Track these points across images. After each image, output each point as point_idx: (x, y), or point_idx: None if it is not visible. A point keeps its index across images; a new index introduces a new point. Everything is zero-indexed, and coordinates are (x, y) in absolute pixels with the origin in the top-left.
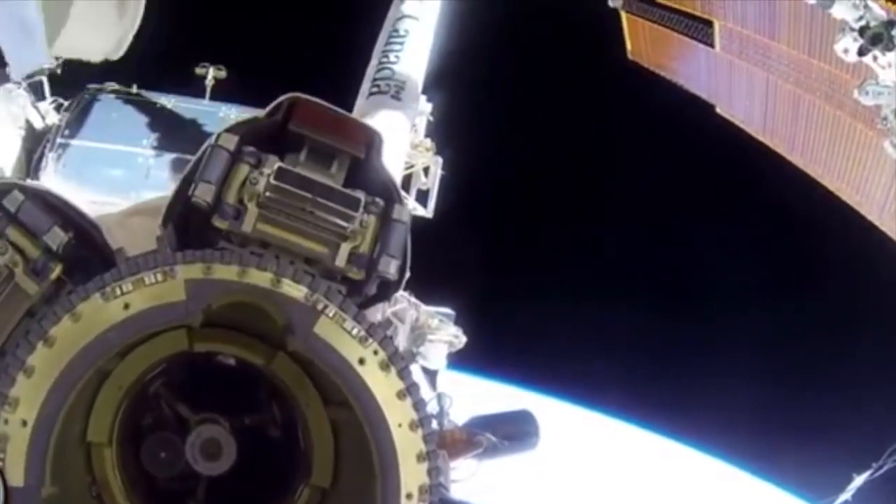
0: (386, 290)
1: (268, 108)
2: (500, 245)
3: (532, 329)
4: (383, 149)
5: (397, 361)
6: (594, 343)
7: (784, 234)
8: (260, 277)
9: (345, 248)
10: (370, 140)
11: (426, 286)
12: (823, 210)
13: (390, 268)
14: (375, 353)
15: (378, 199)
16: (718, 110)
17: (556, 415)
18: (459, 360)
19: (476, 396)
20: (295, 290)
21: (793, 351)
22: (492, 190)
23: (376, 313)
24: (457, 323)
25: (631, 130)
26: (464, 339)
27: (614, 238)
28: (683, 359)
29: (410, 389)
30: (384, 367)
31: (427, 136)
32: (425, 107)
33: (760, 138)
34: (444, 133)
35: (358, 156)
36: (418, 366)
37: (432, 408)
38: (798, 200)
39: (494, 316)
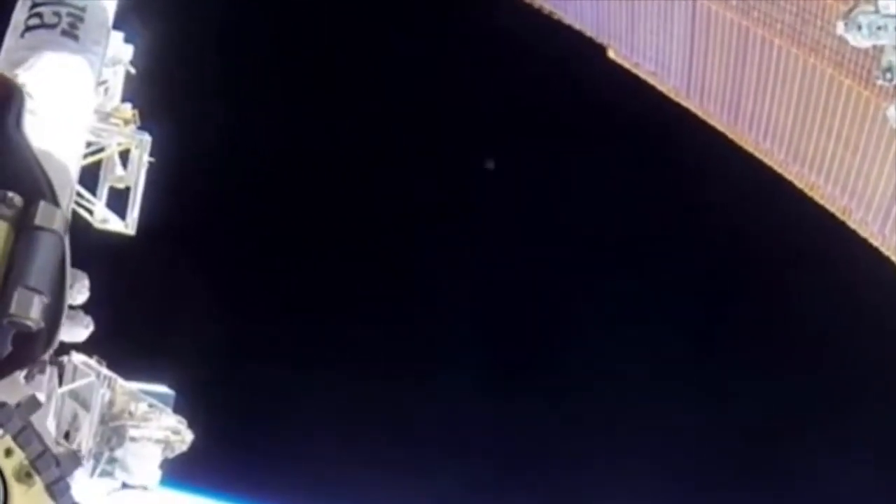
0: (29, 348)
1: None
2: (249, 281)
3: (297, 421)
4: (25, 113)
5: (45, 467)
6: (397, 449)
7: (717, 276)
8: None
9: None
10: (5, 95)
11: (128, 349)
12: (787, 224)
13: (30, 308)
14: (9, 453)
15: (13, 195)
16: (612, 55)
17: None
18: (184, 470)
19: None
20: None
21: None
22: (237, 188)
23: (20, 388)
24: (178, 409)
25: (467, 94)
26: (189, 436)
27: (432, 275)
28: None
29: None
30: (23, 476)
31: (127, 100)
32: (122, 51)
33: (682, 101)
34: (158, 96)
35: None
36: (114, 480)
37: None
38: (744, 211)
39: (239, 398)
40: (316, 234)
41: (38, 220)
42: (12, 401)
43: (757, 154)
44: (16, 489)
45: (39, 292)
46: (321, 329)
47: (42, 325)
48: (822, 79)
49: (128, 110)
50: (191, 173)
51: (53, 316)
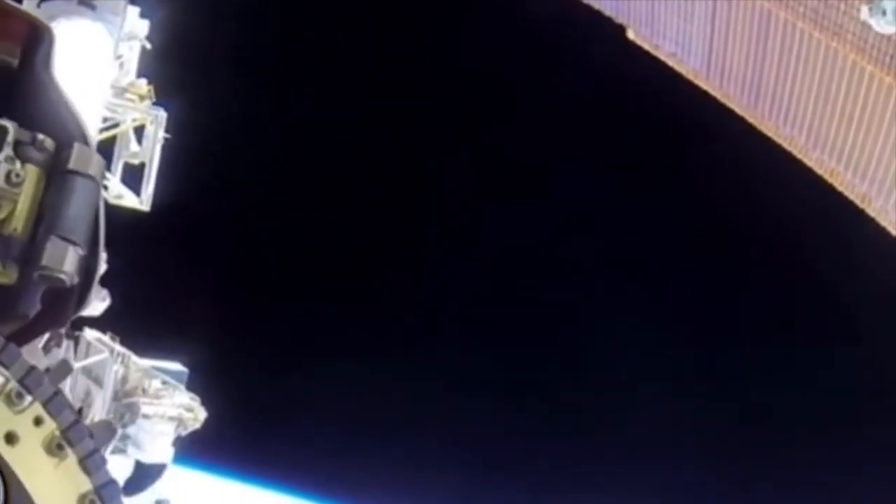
0: (60, 308)
1: None
2: (264, 258)
3: (311, 401)
4: (54, 55)
5: (78, 439)
6: (408, 435)
7: (730, 264)
8: None
9: None
10: (32, 36)
11: (142, 325)
12: (807, 211)
13: (64, 261)
14: (38, 422)
15: (43, 137)
16: (631, 36)
17: None
18: (196, 448)
19: None
20: None
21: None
22: (253, 165)
23: (40, 357)
24: (192, 387)
25: (480, 76)
26: (202, 414)
27: (445, 262)
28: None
29: (103, 492)
30: (55, 449)
31: (143, 76)
32: (138, 26)
33: (702, 84)
34: (173, 73)
35: (8, 61)
36: (126, 457)
37: None
38: (761, 193)
39: (253, 376)
40: (334, 213)
41: (72, 164)
42: (38, 364)
43: (777, 140)
44: (35, 470)
45: (74, 243)
46: (337, 309)
47: (76, 280)
48: (844, 64)
49: (143, 86)
50: (207, 150)
51: (88, 271)
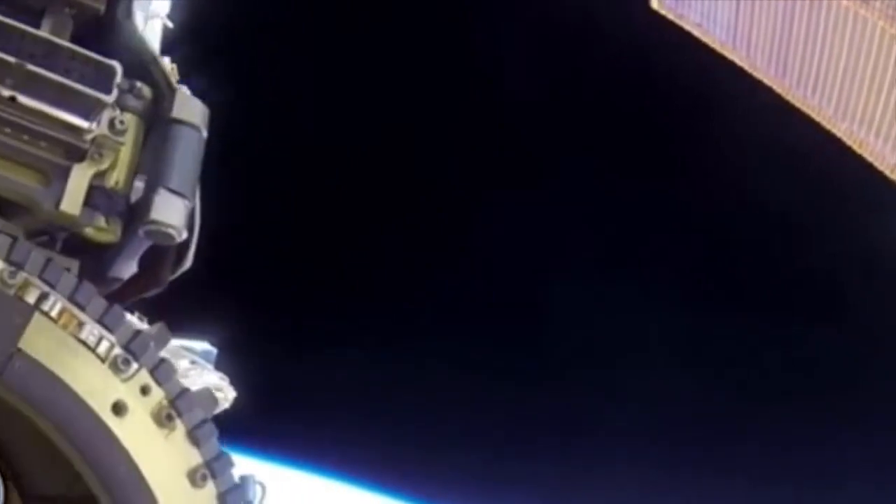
0: (158, 268)
1: None
2: (293, 237)
3: (342, 382)
4: (135, 3)
5: (187, 408)
6: (435, 413)
7: (749, 241)
8: None
9: (80, 177)
10: None
11: (170, 304)
12: (830, 184)
13: (174, 215)
14: (146, 390)
15: (141, 85)
16: (655, 5)
17: None
18: (225, 430)
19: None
20: None
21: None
22: (283, 144)
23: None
24: (220, 366)
25: (501, 52)
26: (231, 393)
27: (462, 245)
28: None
29: (215, 466)
30: (164, 419)
31: (164, 53)
32: (159, 4)
33: (728, 55)
34: (198, 51)
35: (94, 7)
36: None
37: None
38: (784, 163)
39: (283, 355)
40: (357, 199)
41: (175, 112)
42: (141, 328)
43: (805, 111)
44: (145, 444)
45: (183, 196)
46: (364, 295)
47: (183, 235)
48: (873, 32)
49: (166, 64)
50: (234, 128)
51: (190, 225)
